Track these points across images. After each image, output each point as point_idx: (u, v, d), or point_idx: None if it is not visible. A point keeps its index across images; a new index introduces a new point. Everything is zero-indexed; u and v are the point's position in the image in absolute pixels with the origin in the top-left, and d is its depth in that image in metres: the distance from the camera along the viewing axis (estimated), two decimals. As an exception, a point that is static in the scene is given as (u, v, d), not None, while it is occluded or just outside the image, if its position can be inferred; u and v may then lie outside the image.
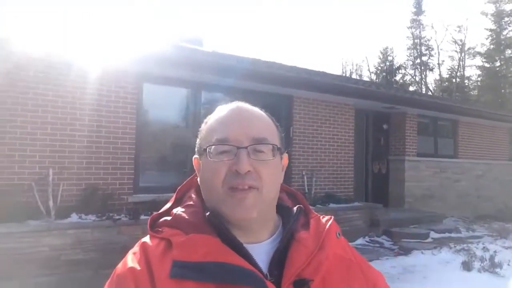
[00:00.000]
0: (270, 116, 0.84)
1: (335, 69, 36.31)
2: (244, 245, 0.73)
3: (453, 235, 7.45)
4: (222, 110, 0.82)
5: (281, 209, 0.85)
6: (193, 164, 0.85)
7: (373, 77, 34.30)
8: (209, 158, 0.76)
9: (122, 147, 5.47)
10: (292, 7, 54.64)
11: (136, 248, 0.76)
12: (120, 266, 0.74)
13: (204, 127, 0.83)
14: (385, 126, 9.19)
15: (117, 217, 4.93)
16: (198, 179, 0.82)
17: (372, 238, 6.93)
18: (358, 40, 51.42)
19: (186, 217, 0.76)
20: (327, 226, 0.81)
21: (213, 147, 0.76)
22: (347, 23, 54.77)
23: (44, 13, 5.05)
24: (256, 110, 0.83)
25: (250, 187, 0.73)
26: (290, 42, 52.81)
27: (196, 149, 0.84)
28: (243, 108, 0.82)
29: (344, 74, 32.28)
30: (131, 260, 0.73)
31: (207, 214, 0.76)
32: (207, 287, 0.66)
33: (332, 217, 0.86)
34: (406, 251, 6.25)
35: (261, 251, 0.75)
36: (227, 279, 0.67)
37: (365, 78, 32.49)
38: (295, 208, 0.84)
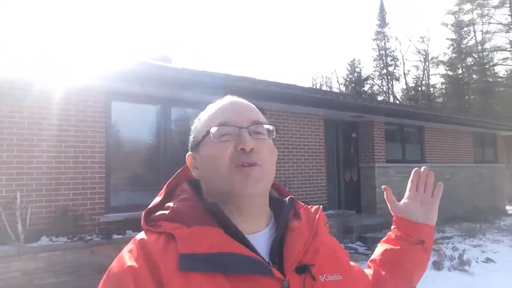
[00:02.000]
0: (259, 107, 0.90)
1: (306, 82, 36.98)
2: (245, 235, 0.75)
3: (424, 237, 7.64)
4: (215, 104, 0.85)
5: (271, 201, 0.87)
6: (187, 161, 0.86)
7: (343, 88, 35.10)
8: (213, 140, 0.78)
9: (92, 166, 5.41)
10: (262, 22, 55.58)
11: (131, 245, 0.74)
12: (115, 265, 0.71)
13: (198, 123, 0.86)
14: (354, 135, 9.43)
15: (89, 237, 4.85)
16: (196, 172, 0.83)
17: (346, 245, 7.05)
18: (327, 53, 52.70)
19: (185, 209, 0.76)
20: (318, 215, 0.86)
21: (216, 128, 0.78)
22: (315, 36, 56.06)
23: (5, 32, 5.00)
24: (248, 102, 0.87)
25: (255, 164, 0.76)
26: (261, 58, 53.50)
27: (190, 146, 0.86)
28: (236, 98, 0.86)
29: (314, 87, 32.90)
30: (128, 258, 0.70)
31: (208, 205, 0.77)
32: (215, 278, 0.67)
33: (321, 206, 0.91)
34: (379, 255, 6.36)
35: (260, 241, 0.77)
36: (235, 269, 0.68)
37: (335, 90, 33.22)
38: (286, 199, 0.88)
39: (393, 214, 1.08)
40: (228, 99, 0.86)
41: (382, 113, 9.07)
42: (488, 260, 5.77)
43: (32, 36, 5.41)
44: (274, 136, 0.84)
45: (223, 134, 0.78)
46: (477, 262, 5.63)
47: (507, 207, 13.66)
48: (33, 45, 4.93)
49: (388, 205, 1.08)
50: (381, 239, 1.11)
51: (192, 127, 0.87)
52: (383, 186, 1.11)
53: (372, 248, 6.87)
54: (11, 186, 4.81)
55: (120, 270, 0.69)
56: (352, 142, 9.51)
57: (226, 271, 0.68)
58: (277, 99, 7.04)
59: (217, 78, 6.37)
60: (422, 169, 1.09)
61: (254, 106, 0.87)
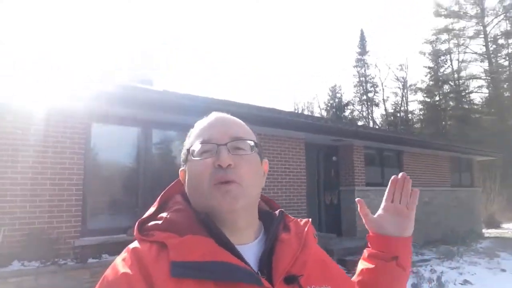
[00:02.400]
0: (247, 125, 0.92)
1: (288, 107, 37.45)
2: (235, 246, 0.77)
3: (403, 260, 7.68)
4: (202, 121, 0.89)
5: (261, 214, 0.90)
6: (180, 176, 0.89)
7: (324, 113, 35.72)
8: (192, 158, 0.82)
9: (69, 189, 5.30)
10: (245, 47, 56.45)
11: (124, 254, 0.75)
12: (109, 272, 0.73)
13: (187, 140, 0.89)
14: (334, 158, 9.55)
15: (63, 261, 4.72)
16: (185, 186, 0.86)
17: (327, 268, 7.01)
18: (308, 79, 53.64)
19: (178, 220, 0.79)
20: (307, 228, 0.88)
21: (197, 146, 0.82)
22: (297, 62, 57.16)
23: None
24: (234, 117, 0.90)
25: (233, 181, 0.78)
26: (243, 83, 54.07)
27: (181, 161, 0.89)
28: (221, 115, 0.89)
29: (296, 111, 33.31)
30: (121, 266, 0.72)
31: (202, 216, 0.79)
32: (206, 285, 0.69)
33: (310, 220, 0.92)
34: (359, 279, 6.36)
35: (250, 252, 0.79)
36: (226, 277, 0.70)
37: (317, 115, 33.71)
38: (276, 212, 0.90)
39: (368, 228, 1.04)
40: (214, 115, 0.88)
41: (362, 137, 9.24)
42: (465, 282, 5.83)
43: (11, 55, 5.38)
44: (256, 150, 0.86)
45: (204, 151, 0.81)
46: (454, 284, 5.68)
47: (484, 230, 13.90)
48: (10, 64, 4.88)
49: (362, 219, 1.05)
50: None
51: (184, 143, 0.90)
52: (357, 199, 1.07)
53: (351, 271, 6.84)
54: (-17, 209, 4.67)
55: (115, 277, 0.70)
56: (333, 166, 9.62)
57: (216, 279, 0.70)
58: (259, 122, 7.11)
59: (199, 101, 6.42)
60: (399, 175, 1.05)
61: (239, 121, 0.89)
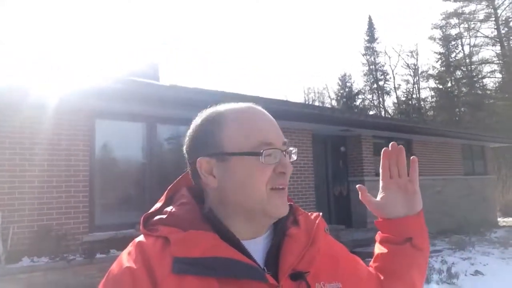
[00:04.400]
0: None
1: (298, 98, 37.25)
2: (241, 241, 0.75)
3: (414, 250, 7.62)
4: (246, 111, 0.82)
5: None
6: (200, 166, 0.79)
7: (334, 103, 35.39)
8: (262, 162, 0.75)
9: (75, 185, 5.35)
10: (254, 38, 56.19)
11: (130, 248, 0.75)
12: (115, 266, 0.73)
13: (227, 129, 0.79)
14: (342, 149, 9.46)
15: (72, 257, 4.77)
16: (212, 180, 0.78)
17: (336, 260, 6.99)
18: (318, 68, 53.24)
19: (182, 214, 0.77)
20: (317, 223, 0.85)
21: (267, 150, 0.76)
22: (306, 52, 56.73)
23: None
24: None
25: (286, 186, 0.79)
26: (253, 74, 53.93)
27: (203, 150, 0.79)
28: (263, 110, 0.84)
29: (307, 102, 33.13)
30: (126, 260, 0.72)
31: (205, 210, 0.78)
32: (209, 282, 0.68)
33: (320, 214, 0.89)
34: (369, 270, 6.33)
35: (256, 247, 0.78)
36: (229, 273, 0.69)
37: (327, 105, 33.48)
38: None
39: (375, 214, 0.96)
40: (256, 108, 0.83)
41: (369, 127, 9.11)
42: (476, 272, 5.75)
43: (16, 52, 5.41)
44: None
45: (268, 155, 0.76)
46: (465, 275, 5.60)
47: (499, 219, 13.68)
48: (16, 62, 4.91)
49: (366, 206, 0.96)
50: (370, 253, 1.01)
51: (208, 129, 0.80)
52: (357, 185, 0.97)
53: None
54: (-8, 207, 4.74)
55: (119, 270, 0.71)
56: (341, 157, 9.53)
57: (219, 276, 0.68)
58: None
59: (207, 94, 6.37)
60: (390, 145, 0.95)
61: None
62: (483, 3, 28.80)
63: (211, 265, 0.69)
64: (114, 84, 5.40)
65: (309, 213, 0.89)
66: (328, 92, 37.29)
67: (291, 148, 0.82)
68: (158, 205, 0.83)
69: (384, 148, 0.94)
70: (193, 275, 0.68)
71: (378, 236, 0.97)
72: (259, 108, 0.85)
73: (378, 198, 0.95)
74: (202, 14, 54.24)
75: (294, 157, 0.83)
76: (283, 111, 7.34)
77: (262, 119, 0.81)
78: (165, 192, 0.86)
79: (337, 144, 9.47)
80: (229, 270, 0.69)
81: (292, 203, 0.88)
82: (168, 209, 0.80)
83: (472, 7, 29.19)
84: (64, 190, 5.26)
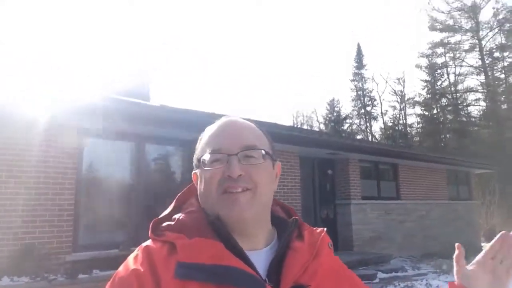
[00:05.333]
0: (260, 127, 0.91)
1: (287, 121, 37.58)
2: (244, 251, 0.77)
3: (399, 274, 7.65)
4: (214, 126, 0.88)
5: (276, 220, 0.89)
6: (193, 179, 0.90)
7: (323, 127, 35.77)
8: (204, 168, 0.82)
9: (60, 204, 5.30)
10: (244, 62, 56.93)
11: (137, 252, 0.78)
12: (121, 269, 0.75)
13: (198, 144, 0.89)
14: (329, 172, 9.55)
15: (53, 277, 4.69)
16: (198, 191, 0.86)
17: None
18: (307, 93, 54.00)
19: (189, 222, 0.80)
20: (321, 237, 0.86)
21: (207, 156, 0.82)
22: (295, 76, 57.59)
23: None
24: (245, 121, 0.89)
25: (244, 189, 0.79)
26: (242, 97, 54.40)
27: (194, 165, 0.89)
28: (233, 120, 0.88)
29: (296, 125, 33.39)
30: (133, 263, 0.75)
31: (211, 219, 0.79)
32: None
33: (325, 229, 0.90)
34: (354, 293, 6.31)
35: (259, 258, 0.79)
36: (230, 281, 0.70)
37: (315, 129, 33.79)
38: (290, 220, 0.88)
39: (455, 278, 0.92)
40: (224, 120, 0.88)
41: (356, 151, 9.27)
42: (461, 296, 5.78)
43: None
44: (269, 157, 0.86)
45: (214, 160, 0.81)
46: (450, 299, 5.62)
47: (483, 244, 13.79)
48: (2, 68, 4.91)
49: (454, 265, 0.92)
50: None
51: (196, 147, 0.90)
52: (456, 244, 0.93)
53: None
54: (-27, 224, 4.66)
55: (125, 273, 0.73)
56: (329, 180, 9.61)
57: (221, 283, 0.70)
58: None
59: (193, 115, 6.43)
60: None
61: (250, 126, 0.89)
62: (468, 34, 29.81)
63: (213, 272, 0.71)
64: (104, 102, 5.44)
65: (314, 228, 0.90)
66: (317, 116, 37.68)
67: (250, 151, 0.82)
68: (167, 211, 0.87)
69: (504, 231, 0.91)
70: (195, 281, 0.70)
71: None
72: (230, 119, 0.89)
73: (469, 267, 0.91)
74: (200, 16, 54.94)
75: (256, 158, 0.82)
76: (272, 134, 7.42)
77: (218, 129, 0.87)
78: (175, 200, 0.89)
79: (325, 167, 9.56)
80: (231, 279, 0.70)
81: (296, 218, 0.90)
82: (177, 216, 0.83)
83: (458, 37, 30.20)
84: (48, 209, 5.19)
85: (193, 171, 0.89)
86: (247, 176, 0.80)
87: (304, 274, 0.78)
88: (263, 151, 0.84)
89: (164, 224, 0.82)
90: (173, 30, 48.71)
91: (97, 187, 5.93)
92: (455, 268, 0.92)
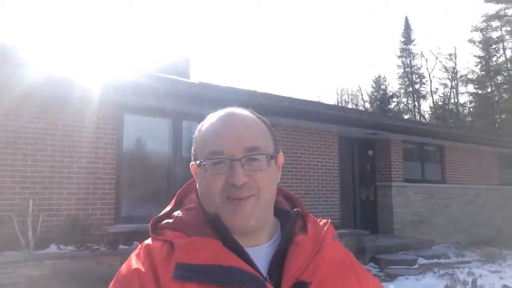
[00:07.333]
0: (262, 118, 0.86)
1: (331, 99, 36.81)
2: (244, 248, 0.75)
3: (441, 260, 7.38)
4: (213, 119, 0.83)
5: (279, 212, 0.87)
6: (191, 170, 0.86)
7: (368, 106, 34.72)
8: (205, 172, 0.78)
9: (103, 177, 5.52)
10: (287, 38, 56.01)
11: (138, 250, 0.78)
12: (124, 267, 0.76)
13: (198, 135, 0.85)
14: (370, 152, 9.28)
15: (96, 247, 4.93)
16: (197, 185, 0.84)
17: (358, 265, 6.85)
18: (353, 69, 52.43)
19: (188, 219, 0.79)
20: (325, 230, 0.83)
21: (209, 161, 0.77)
22: (341, 52, 55.97)
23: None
24: (247, 116, 0.84)
25: (248, 196, 0.76)
26: (286, 74, 53.78)
27: (192, 156, 0.86)
28: (235, 116, 0.82)
29: (339, 104, 32.69)
30: (135, 262, 0.75)
31: (210, 216, 0.78)
32: None
33: (329, 220, 0.87)
34: (391, 278, 6.18)
35: (260, 254, 0.77)
36: (229, 281, 0.69)
37: (360, 107, 32.90)
38: (292, 212, 0.86)
39: None
40: (226, 115, 0.83)
41: (397, 131, 8.90)
42: (504, 287, 5.49)
43: (41, 46, 5.64)
44: (274, 159, 0.82)
45: (216, 163, 0.77)
46: (492, 288, 5.36)
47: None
48: (43, 55, 5.09)
49: None
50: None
51: (194, 136, 0.87)
52: None
53: (384, 270, 6.67)
54: (24, 194, 4.97)
55: (128, 271, 0.74)
56: (369, 160, 9.35)
57: (219, 284, 0.69)
58: (290, 115, 7.04)
59: (233, 93, 6.41)
60: None
61: (253, 124, 0.83)
62: (528, 5, 27.45)
63: (212, 272, 0.69)
64: (143, 79, 5.54)
65: (318, 220, 0.86)
66: (362, 94, 36.55)
67: (256, 156, 0.78)
68: (167, 209, 0.85)
69: None
70: (193, 282, 0.69)
71: None
72: (232, 114, 0.83)
73: None
74: (238, 12, 54.60)
75: (260, 161, 0.78)
76: (308, 112, 7.28)
77: (222, 127, 0.81)
78: (175, 196, 0.87)
79: (365, 147, 9.30)
80: (230, 279, 0.69)
81: (297, 210, 0.86)
82: (176, 213, 0.81)
83: (516, 9, 27.87)
84: (91, 182, 5.43)
85: (191, 163, 0.86)
86: (251, 181, 0.77)
87: (306, 270, 0.75)
88: (267, 155, 0.79)
89: (164, 222, 0.81)
90: (215, 7, 48.55)
91: (137, 162, 6.12)
92: None
